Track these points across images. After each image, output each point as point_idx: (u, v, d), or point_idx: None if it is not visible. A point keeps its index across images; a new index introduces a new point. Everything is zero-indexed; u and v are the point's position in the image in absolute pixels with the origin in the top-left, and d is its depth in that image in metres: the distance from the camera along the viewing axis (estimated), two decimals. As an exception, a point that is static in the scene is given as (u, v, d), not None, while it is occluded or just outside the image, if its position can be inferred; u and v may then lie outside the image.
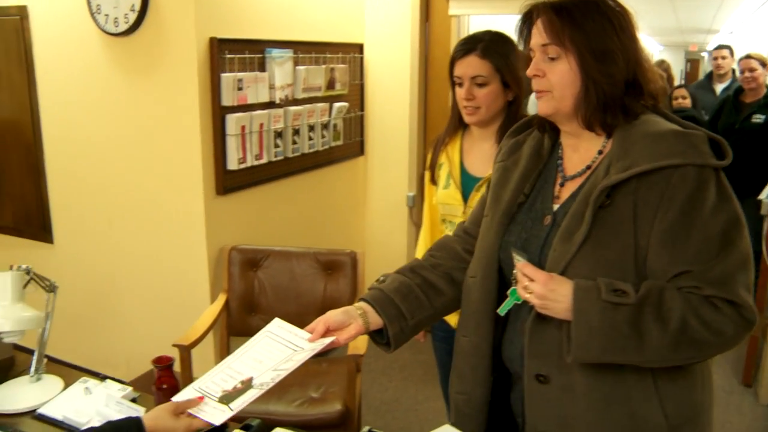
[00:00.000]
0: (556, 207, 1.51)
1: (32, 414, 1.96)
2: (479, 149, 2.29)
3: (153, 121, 3.24)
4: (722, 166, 1.35)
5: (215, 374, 1.64)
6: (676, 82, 8.14)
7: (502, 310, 1.50)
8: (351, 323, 1.61)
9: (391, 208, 4.42)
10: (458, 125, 2.35)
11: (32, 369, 2.13)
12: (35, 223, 3.78)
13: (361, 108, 4.24)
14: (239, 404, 1.49)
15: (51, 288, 2.17)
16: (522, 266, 1.41)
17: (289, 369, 1.53)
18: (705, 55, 16.56)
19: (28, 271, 2.08)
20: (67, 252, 3.73)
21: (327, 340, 1.57)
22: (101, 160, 3.47)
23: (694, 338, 1.31)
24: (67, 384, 2.10)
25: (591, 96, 1.41)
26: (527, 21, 1.50)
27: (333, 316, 1.61)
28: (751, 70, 4.64)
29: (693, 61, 16.87)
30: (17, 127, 3.70)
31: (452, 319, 2.37)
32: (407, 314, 1.63)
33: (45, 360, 2.16)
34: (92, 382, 2.08)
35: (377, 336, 1.68)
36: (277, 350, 1.62)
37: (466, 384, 1.67)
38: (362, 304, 1.65)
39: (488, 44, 2.16)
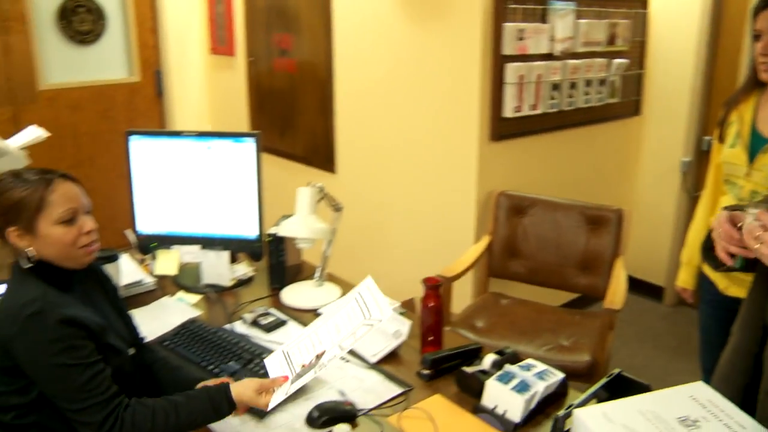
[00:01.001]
0: None
1: (314, 312, 2.25)
2: None
3: (435, 66, 3.42)
4: None
5: (303, 338, 1.77)
6: None
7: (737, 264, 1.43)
8: None
9: (662, 173, 4.26)
10: (755, 83, 2.22)
11: (317, 275, 2.42)
12: (321, 154, 4.17)
13: (641, 66, 4.11)
14: (294, 388, 1.62)
15: (337, 208, 2.44)
16: (760, 214, 1.31)
17: (346, 349, 1.64)
18: None
19: (321, 189, 2.35)
20: (347, 182, 4.08)
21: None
22: (384, 101, 3.73)
23: None
24: (344, 292, 2.37)
25: None
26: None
27: None
28: None
29: None
30: (314, 69, 4.08)
31: (721, 282, 2.30)
32: None
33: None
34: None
35: None
36: (354, 318, 1.71)
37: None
38: None
39: None
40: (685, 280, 2.55)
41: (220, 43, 4.86)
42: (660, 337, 3.97)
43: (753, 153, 2.17)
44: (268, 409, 1.59)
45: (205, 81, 5.11)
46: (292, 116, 4.30)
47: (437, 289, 2.00)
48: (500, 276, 3.34)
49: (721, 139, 2.33)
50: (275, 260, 2.40)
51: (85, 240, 1.61)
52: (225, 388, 1.58)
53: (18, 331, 1.46)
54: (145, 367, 1.78)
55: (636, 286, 4.45)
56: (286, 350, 1.78)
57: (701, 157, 4.13)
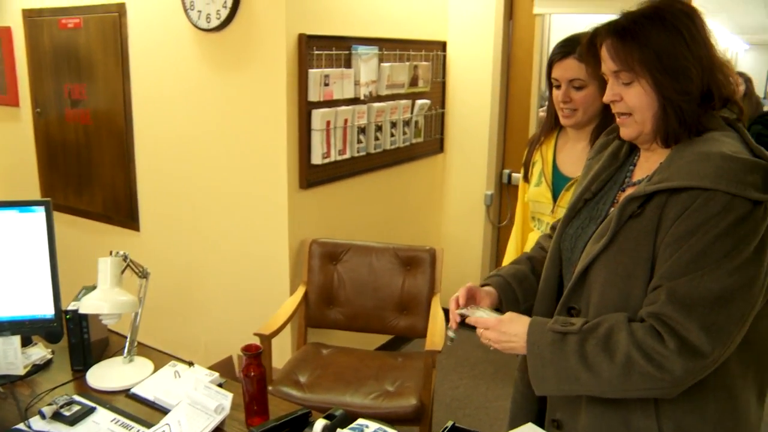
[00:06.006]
0: (612, 210, 1.52)
1: (126, 393, 2.05)
2: (573, 149, 2.30)
3: (241, 114, 3.32)
4: (763, 200, 1.27)
5: None
6: (761, 91, 7.75)
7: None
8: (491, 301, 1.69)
9: (468, 207, 4.42)
10: (554, 125, 2.36)
11: (125, 351, 2.23)
12: (123, 211, 3.92)
13: (442, 105, 4.26)
14: None
15: (144, 274, 2.26)
16: (473, 321, 1.54)
17: None
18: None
19: (125, 258, 2.17)
20: (153, 240, 3.85)
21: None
22: (189, 151, 3.57)
23: (641, 372, 1.30)
24: (157, 367, 2.19)
25: (669, 116, 1.38)
26: (592, 46, 1.49)
27: (485, 292, 1.69)
28: None
29: (781, 61, 16.22)
30: (111, 118, 3.84)
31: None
32: (521, 298, 1.70)
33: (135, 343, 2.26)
34: (181, 367, 2.17)
35: None
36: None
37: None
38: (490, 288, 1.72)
39: None
40: None
41: (1, 92, 4.47)
42: (477, 366, 4.08)
43: (556, 191, 2.29)
44: None
45: (-14, 134, 4.67)
46: (89, 171, 4.02)
47: (258, 357, 1.90)
48: (318, 326, 3.29)
49: (527, 178, 2.45)
50: (77, 339, 2.18)
51: None
52: None
53: None
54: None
55: (448, 317, 4.56)
56: None
57: (502, 189, 4.35)
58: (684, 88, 1.36)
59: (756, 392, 1.45)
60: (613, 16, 1.45)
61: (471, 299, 1.66)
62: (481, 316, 1.56)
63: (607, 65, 1.43)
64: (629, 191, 1.51)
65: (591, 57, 1.52)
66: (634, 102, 1.41)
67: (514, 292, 1.70)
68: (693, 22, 1.38)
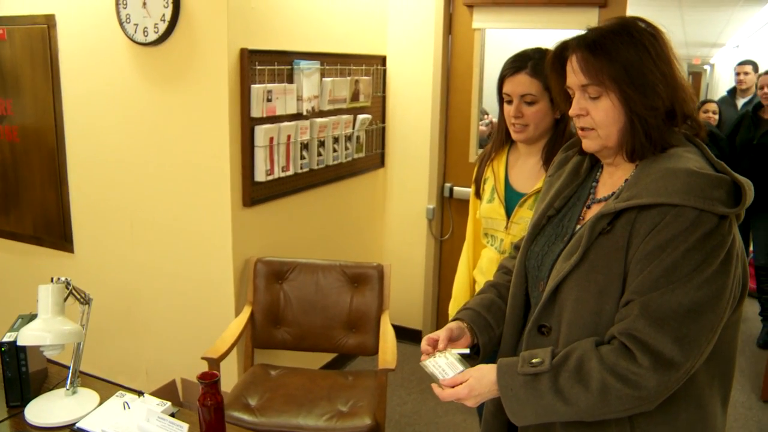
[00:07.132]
0: (578, 227, 1.53)
1: (70, 428, 1.95)
2: (524, 165, 2.30)
3: (181, 131, 3.22)
4: (729, 214, 1.30)
5: None
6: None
7: None
8: (463, 336, 1.68)
9: (410, 221, 4.41)
10: (505, 140, 2.36)
11: (68, 382, 2.11)
12: (56, 232, 3.75)
13: (383, 120, 4.24)
14: None
15: (86, 300, 2.16)
16: (445, 397, 1.50)
17: None
18: (707, 68, 16.61)
19: (67, 284, 2.06)
20: (88, 262, 3.69)
21: None
22: (126, 169, 3.44)
23: (618, 396, 1.33)
24: (103, 398, 2.09)
25: (637, 130, 1.40)
26: (560, 58, 1.50)
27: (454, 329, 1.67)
28: (770, 86, 4.63)
29: (695, 75, 16.89)
30: (40, 134, 3.68)
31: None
32: (493, 324, 1.71)
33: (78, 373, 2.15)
34: (129, 397, 2.07)
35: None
36: None
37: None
38: (458, 322, 1.71)
39: (538, 62, 2.14)
40: None
41: None
42: (425, 381, 4.06)
43: (510, 207, 2.28)
44: None
45: None
46: (17, 190, 3.83)
47: (215, 385, 1.83)
48: (266, 347, 3.20)
49: (478, 194, 2.44)
50: (13, 373, 2.05)
51: None
52: None
53: None
54: None
55: (395, 332, 4.54)
56: None
57: (444, 203, 4.35)
58: (651, 104, 1.38)
59: (721, 400, 1.48)
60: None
61: (434, 343, 1.63)
62: (446, 375, 1.53)
63: (577, 78, 1.43)
64: (595, 208, 1.52)
65: (554, 71, 1.52)
66: (601, 116, 1.43)
67: (485, 319, 1.70)
68: (657, 40, 1.41)
